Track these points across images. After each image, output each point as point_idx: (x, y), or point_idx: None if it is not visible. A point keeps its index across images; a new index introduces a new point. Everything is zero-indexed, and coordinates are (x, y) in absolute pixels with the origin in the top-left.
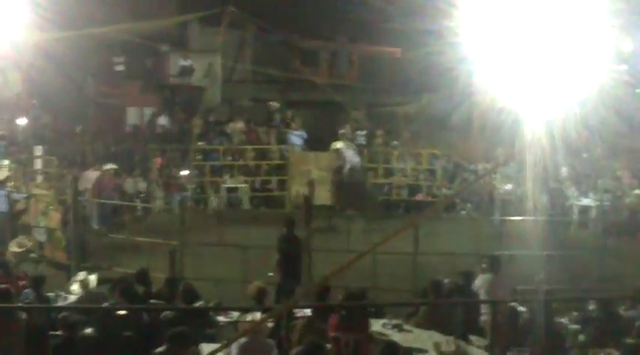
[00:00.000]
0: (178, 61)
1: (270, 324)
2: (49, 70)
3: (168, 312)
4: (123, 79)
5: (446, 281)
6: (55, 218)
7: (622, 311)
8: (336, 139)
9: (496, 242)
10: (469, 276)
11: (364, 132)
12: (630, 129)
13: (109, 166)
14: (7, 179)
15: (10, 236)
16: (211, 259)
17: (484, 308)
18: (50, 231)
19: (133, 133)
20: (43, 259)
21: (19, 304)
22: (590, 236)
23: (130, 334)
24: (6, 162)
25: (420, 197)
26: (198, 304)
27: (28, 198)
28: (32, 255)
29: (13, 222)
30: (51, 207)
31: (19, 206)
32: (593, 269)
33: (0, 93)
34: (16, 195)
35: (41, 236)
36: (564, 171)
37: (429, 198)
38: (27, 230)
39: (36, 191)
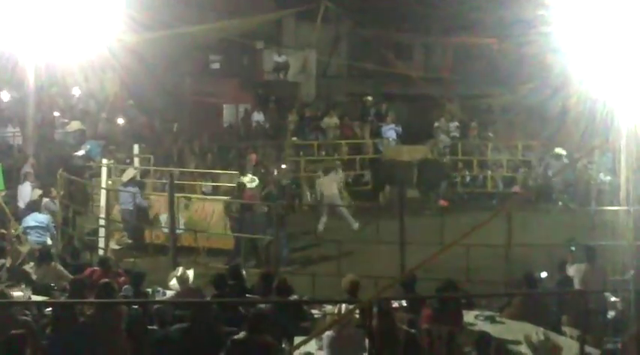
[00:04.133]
0: (273, 58)
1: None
2: (145, 70)
3: (262, 306)
4: (219, 77)
5: (543, 275)
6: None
7: None
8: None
9: (591, 232)
10: (564, 267)
11: (458, 124)
12: None
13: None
14: (134, 178)
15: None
16: (307, 253)
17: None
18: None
19: (228, 130)
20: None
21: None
22: None
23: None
24: (108, 160)
25: (515, 189)
26: (292, 298)
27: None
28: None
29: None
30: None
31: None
32: None
33: (97, 95)
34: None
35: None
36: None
37: (525, 190)
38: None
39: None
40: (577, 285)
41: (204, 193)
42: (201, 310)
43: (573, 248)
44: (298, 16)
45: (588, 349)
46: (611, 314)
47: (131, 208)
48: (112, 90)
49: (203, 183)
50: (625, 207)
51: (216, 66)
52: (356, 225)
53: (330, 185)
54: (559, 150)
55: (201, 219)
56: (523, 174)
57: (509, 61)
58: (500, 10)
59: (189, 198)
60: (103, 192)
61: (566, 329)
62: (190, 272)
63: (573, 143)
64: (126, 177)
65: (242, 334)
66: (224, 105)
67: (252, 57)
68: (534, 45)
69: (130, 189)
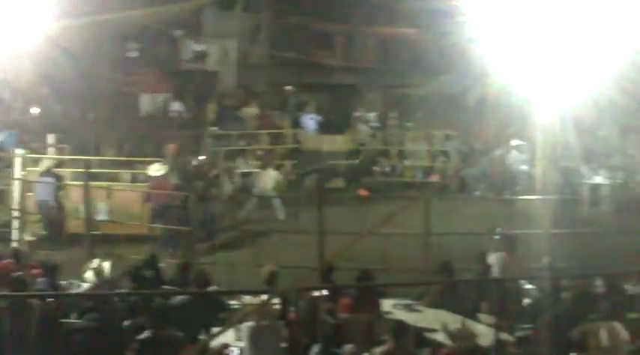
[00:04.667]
0: (192, 47)
1: (278, 306)
2: (60, 58)
3: (180, 298)
4: (137, 66)
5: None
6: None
7: (630, 287)
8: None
9: (509, 221)
10: (483, 258)
11: (377, 114)
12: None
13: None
14: (50, 169)
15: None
16: (224, 244)
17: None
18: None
19: (146, 120)
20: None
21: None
22: (602, 214)
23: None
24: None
25: (433, 178)
26: (210, 289)
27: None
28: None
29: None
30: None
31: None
32: (604, 247)
33: (12, 83)
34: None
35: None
36: (575, 149)
37: (443, 180)
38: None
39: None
40: (496, 274)
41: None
42: (105, 303)
43: (497, 236)
44: (218, 4)
45: (503, 336)
46: (526, 301)
47: (47, 199)
48: (26, 79)
49: (122, 172)
50: (541, 196)
51: (134, 54)
52: (282, 215)
53: (267, 180)
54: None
55: (123, 208)
56: (441, 163)
57: (430, 51)
58: (422, 1)
59: (110, 187)
60: (17, 183)
61: (482, 316)
62: (106, 264)
63: (492, 133)
64: (42, 167)
65: (147, 331)
66: (142, 95)
67: (171, 46)
68: (454, 35)
69: (47, 179)
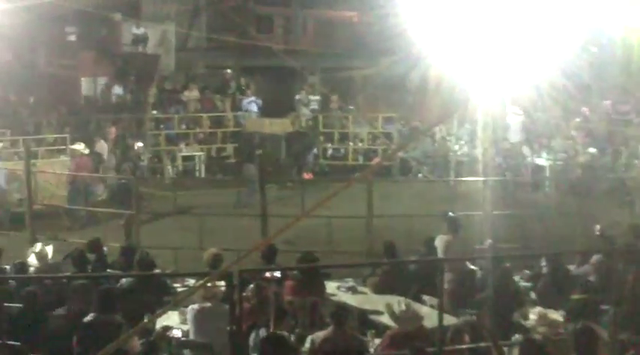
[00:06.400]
0: (131, 30)
1: (222, 289)
2: None
3: (124, 281)
4: (76, 50)
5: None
6: None
7: (573, 268)
8: None
9: (451, 203)
10: (431, 243)
11: (318, 98)
12: (579, 90)
13: (80, 147)
14: None
15: None
16: (168, 227)
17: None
18: None
19: (87, 104)
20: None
21: None
22: (544, 195)
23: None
24: None
25: (375, 160)
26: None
27: None
28: None
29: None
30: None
31: None
32: (547, 228)
33: None
34: None
35: None
36: (517, 131)
37: (385, 162)
38: None
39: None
40: (440, 255)
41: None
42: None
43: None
44: None
45: (447, 317)
46: (469, 283)
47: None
48: None
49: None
50: (482, 178)
51: (72, 38)
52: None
53: None
54: None
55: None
56: (382, 145)
57: (371, 33)
58: None
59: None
60: None
61: (426, 298)
62: (49, 248)
63: (434, 115)
64: None
65: (91, 315)
66: (82, 78)
67: (110, 29)
68: (396, 18)
69: None
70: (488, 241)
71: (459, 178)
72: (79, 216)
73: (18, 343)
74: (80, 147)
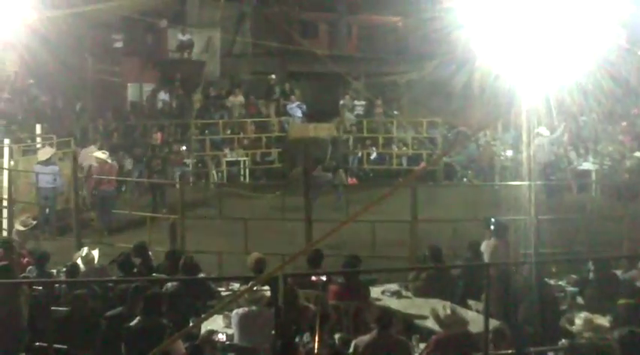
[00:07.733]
0: (177, 36)
1: (268, 293)
2: (46, 49)
3: (169, 285)
4: (122, 56)
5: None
6: None
7: (620, 273)
8: None
9: (496, 208)
10: (476, 247)
11: (363, 103)
12: (627, 93)
13: (101, 154)
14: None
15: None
16: (212, 232)
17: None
18: None
19: (133, 110)
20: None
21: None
22: (590, 200)
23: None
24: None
25: (420, 165)
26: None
27: None
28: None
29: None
30: None
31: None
32: (593, 232)
33: None
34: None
35: None
36: (563, 135)
37: (430, 167)
38: None
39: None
40: (487, 260)
41: None
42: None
43: (492, 226)
44: None
45: (492, 322)
46: (514, 287)
47: (50, 186)
48: (12, 70)
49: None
50: (527, 182)
51: (119, 44)
52: None
53: None
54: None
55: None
56: (428, 150)
57: (414, 38)
58: None
59: None
60: (5, 173)
61: (472, 302)
62: (95, 252)
63: (478, 119)
64: (43, 156)
65: (136, 319)
66: (128, 85)
67: (155, 36)
68: (439, 21)
69: (51, 168)
70: (534, 246)
71: (504, 182)
72: (108, 221)
73: (64, 346)
74: (104, 155)
